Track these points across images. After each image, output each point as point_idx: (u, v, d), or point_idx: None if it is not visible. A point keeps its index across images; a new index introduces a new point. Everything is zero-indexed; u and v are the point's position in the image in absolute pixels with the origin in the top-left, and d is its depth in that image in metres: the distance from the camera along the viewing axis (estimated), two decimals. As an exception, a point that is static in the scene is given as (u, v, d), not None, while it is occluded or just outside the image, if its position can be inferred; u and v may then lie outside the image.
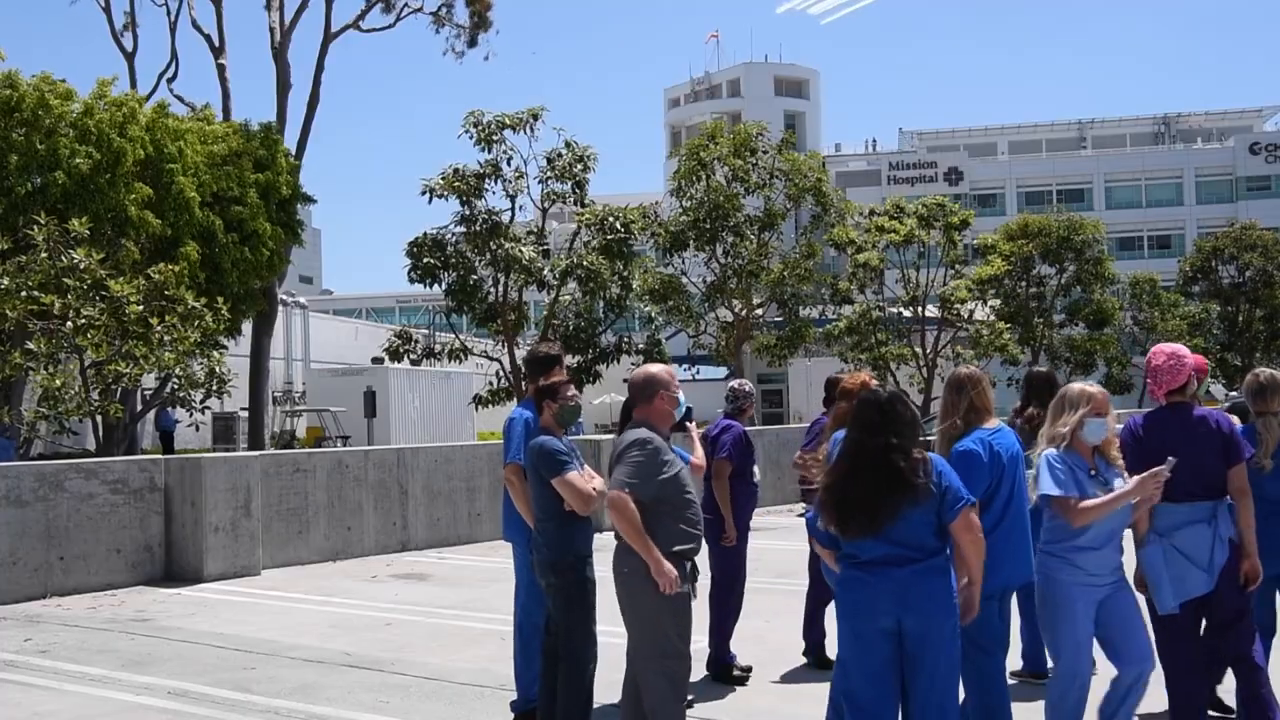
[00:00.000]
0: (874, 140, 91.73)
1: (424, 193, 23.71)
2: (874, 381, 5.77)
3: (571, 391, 6.21)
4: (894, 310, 33.78)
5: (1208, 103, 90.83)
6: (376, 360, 35.09)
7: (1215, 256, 47.84)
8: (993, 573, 5.13)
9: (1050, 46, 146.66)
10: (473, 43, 36.63)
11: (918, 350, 33.13)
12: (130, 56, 35.52)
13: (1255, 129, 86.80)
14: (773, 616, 9.20)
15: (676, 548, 5.23)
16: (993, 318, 34.88)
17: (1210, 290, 47.77)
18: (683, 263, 31.31)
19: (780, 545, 13.52)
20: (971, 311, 33.85)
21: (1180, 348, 5.90)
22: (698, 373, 33.70)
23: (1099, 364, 40.10)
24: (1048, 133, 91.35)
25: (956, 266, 33.34)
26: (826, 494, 4.77)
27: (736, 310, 31.63)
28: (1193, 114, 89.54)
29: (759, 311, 32.42)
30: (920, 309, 33.29)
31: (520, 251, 23.57)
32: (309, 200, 29.78)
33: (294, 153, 29.90)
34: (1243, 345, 46.35)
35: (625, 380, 6.40)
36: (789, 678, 7.83)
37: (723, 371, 33.93)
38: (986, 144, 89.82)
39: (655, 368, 5.61)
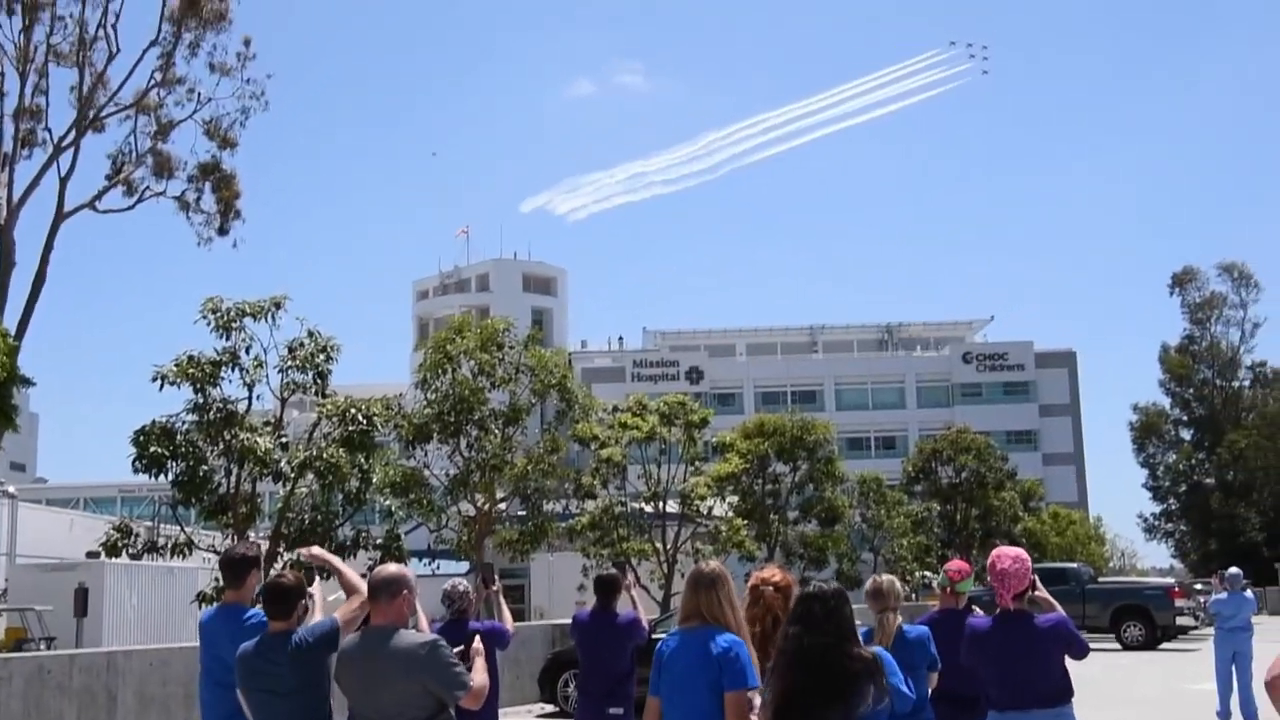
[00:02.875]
0: (619, 338, 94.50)
1: (155, 379, 22.66)
2: (777, 576, 5.43)
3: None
4: (636, 505, 34.20)
5: (925, 314, 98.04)
6: (92, 554, 32.80)
7: (935, 458, 50.80)
8: None
9: (784, 254, 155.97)
10: (223, 231, 36.03)
11: (658, 546, 33.50)
12: None
13: (967, 339, 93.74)
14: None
15: None
16: (731, 514, 35.70)
17: (931, 490, 50.50)
18: (426, 455, 30.95)
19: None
20: (711, 508, 34.60)
21: (1022, 551, 5.91)
22: (438, 567, 32.97)
23: (830, 560, 41.39)
24: (782, 336, 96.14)
25: (696, 463, 34.20)
26: (770, 696, 4.43)
27: (479, 504, 31.33)
28: (913, 324, 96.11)
29: (502, 505, 32.21)
30: (661, 504, 33.83)
31: (256, 442, 22.74)
32: (27, 383, 28.07)
33: (14, 333, 28.32)
34: (960, 542, 48.92)
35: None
36: None
37: (464, 566, 33.36)
38: (726, 345, 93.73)
39: (400, 567, 5.49)
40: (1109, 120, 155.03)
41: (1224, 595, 16.48)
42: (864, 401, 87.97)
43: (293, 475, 23.64)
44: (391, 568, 5.43)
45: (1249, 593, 17.07)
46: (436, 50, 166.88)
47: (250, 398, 23.86)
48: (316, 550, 6.24)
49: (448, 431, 29.79)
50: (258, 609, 6.28)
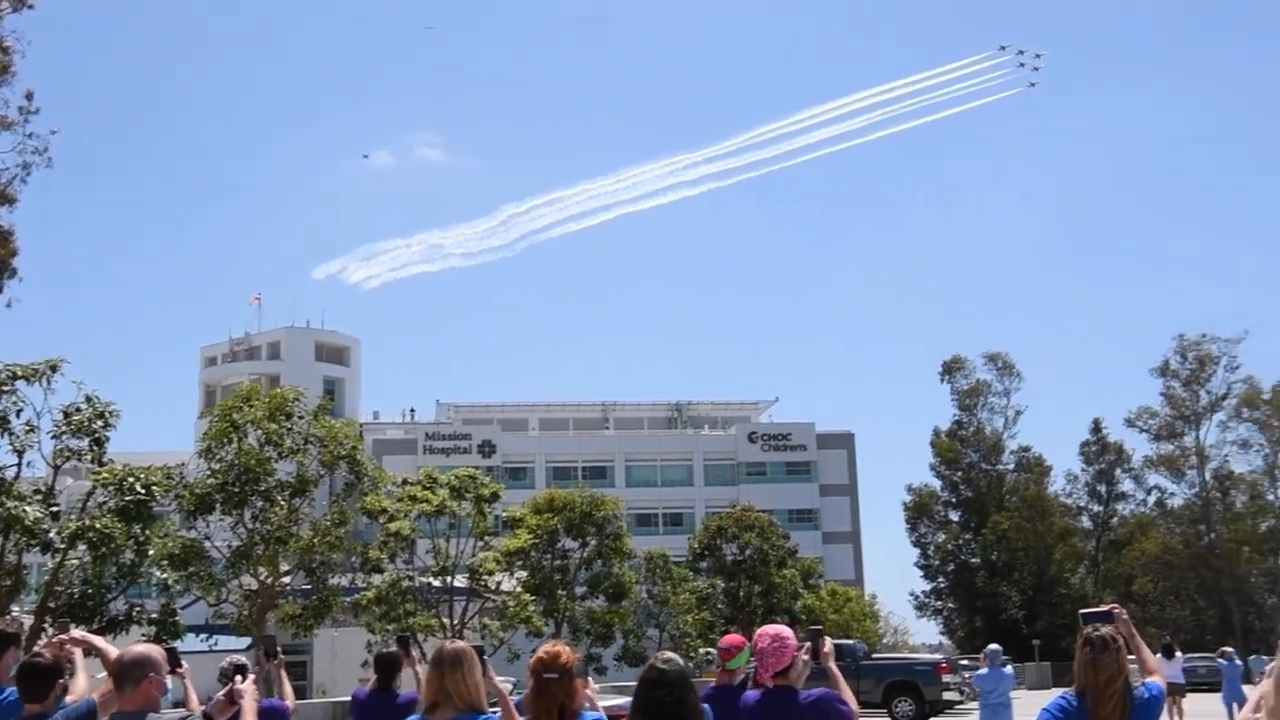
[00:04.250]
0: (412, 410, 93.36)
1: (-85, 442, 21.56)
2: (562, 655, 5.26)
3: None
4: (424, 580, 33.91)
5: (713, 393, 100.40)
6: None
7: (720, 535, 51.95)
8: None
9: (577, 331, 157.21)
10: (-6, 289, 34.38)
11: (446, 621, 33.25)
12: None
13: (753, 419, 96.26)
14: None
15: None
16: (519, 589, 35.74)
17: (716, 567, 51.50)
18: (207, 526, 30.05)
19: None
20: (499, 583, 34.58)
21: (784, 629, 6.09)
22: (215, 643, 31.89)
23: (617, 636, 41.71)
24: (575, 412, 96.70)
25: (486, 538, 34.21)
26: None
27: (262, 578, 30.53)
28: (701, 403, 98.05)
29: (286, 579, 31.47)
30: (450, 579, 33.65)
31: (24, 511, 21.76)
32: None
33: None
34: (743, 619, 49.97)
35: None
36: None
37: (245, 641, 32.37)
38: (519, 419, 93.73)
39: (147, 647, 5.27)
40: (885, 214, 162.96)
41: (985, 671, 17.53)
42: (653, 478, 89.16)
43: (63, 546, 22.67)
44: (136, 650, 5.18)
45: (1009, 668, 18.21)
46: (234, 114, 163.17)
47: (20, 464, 22.85)
48: (76, 633, 6.09)
49: (231, 502, 29.05)
50: (12, 689, 6.04)
